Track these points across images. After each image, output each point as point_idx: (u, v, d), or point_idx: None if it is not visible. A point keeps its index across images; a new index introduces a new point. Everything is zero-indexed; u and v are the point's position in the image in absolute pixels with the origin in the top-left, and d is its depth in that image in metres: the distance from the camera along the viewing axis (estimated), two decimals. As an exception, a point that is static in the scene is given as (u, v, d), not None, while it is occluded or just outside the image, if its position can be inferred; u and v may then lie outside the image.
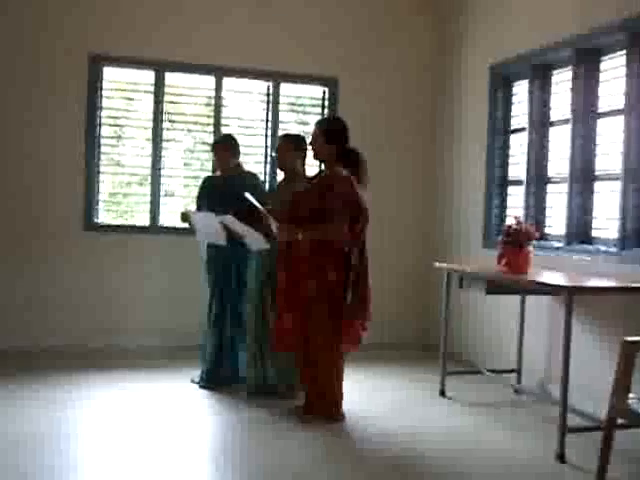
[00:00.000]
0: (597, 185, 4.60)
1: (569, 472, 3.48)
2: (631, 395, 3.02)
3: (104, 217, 5.99)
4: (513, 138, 5.52)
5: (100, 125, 5.85)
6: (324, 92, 6.35)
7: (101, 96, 5.84)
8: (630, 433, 3.39)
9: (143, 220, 6.00)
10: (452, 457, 3.64)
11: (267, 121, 6.20)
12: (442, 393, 4.79)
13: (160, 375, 5.05)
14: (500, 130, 5.58)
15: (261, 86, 6.22)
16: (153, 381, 4.89)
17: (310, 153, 4.33)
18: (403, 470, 3.47)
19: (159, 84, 5.93)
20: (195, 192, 5.23)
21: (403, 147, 6.46)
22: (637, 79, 4.17)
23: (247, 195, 4.32)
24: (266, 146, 6.17)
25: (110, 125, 5.98)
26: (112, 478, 3.23)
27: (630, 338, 3.11)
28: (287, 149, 4.57)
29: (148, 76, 5.95)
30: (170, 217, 5.91)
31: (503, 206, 5.60)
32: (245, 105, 6.24)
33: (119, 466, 3.35)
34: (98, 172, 5.86)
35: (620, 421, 3.09)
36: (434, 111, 6.46)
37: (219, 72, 6.04)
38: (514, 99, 5.53)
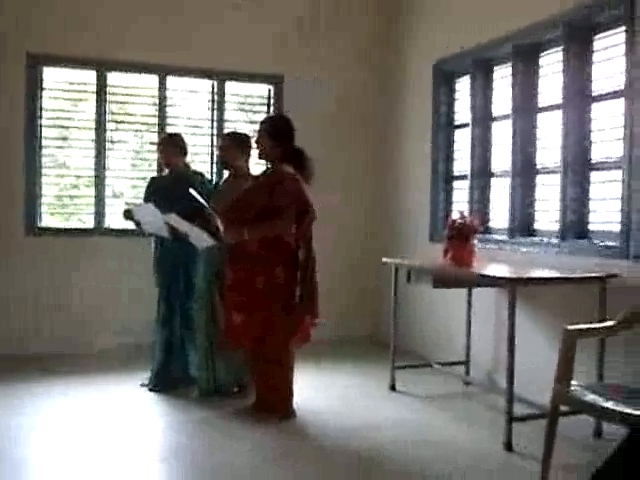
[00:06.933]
0: (538, 178, 4.70)
1: (516, 459, 3.55)
2: (573, 382, 3.09)
3: (49, 221, 5.87)
4: (457, 133, 5.60)
5: (41, 127, 5.72)
6: (269, 90, 6.35)
7: (41, 97, 5.71)
8: (573, 419, 3.47)
9: (89, 222, 5.92)
10: (402, 450, 3.67)
11: (212, 120, 6.17)
12: (392, 387, 4.83)
13: (111, 379, 4.97)
14: (444, 126, 5.65)
15: (206, 85, 6.18)
16: (103, 384, 4.81)
17: (255, 152, 4.31)
18: (355, 466, 3.49)
19: (101, 84, 5.84)
20: (142, 193, 5.17)
21: (349, 144, 6.50)
22: (574, 74, 4.28)
23: (191, 191, 4.26)
24: (212, 145, 6.13)
25: (54, 127, 5.86)
26: (60, 485, 3.19)
27: (571, 326, 3.18)
28: (231, 147, 4.55)
29: (90, 76, 5.85)
30: (118, 219, 5.82)
31: (449, 200, 5.67)
32: (191, 104, 6.19)
33: (70, 471, 3.30)
34: (40, 175, 5.74)
35: (563, 408, 3.16)
36: (379, 108, 6.51)
37: (162, 71, 5.97)
38: (457, 95, 5.61)
